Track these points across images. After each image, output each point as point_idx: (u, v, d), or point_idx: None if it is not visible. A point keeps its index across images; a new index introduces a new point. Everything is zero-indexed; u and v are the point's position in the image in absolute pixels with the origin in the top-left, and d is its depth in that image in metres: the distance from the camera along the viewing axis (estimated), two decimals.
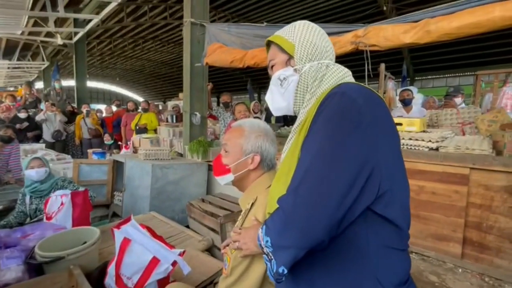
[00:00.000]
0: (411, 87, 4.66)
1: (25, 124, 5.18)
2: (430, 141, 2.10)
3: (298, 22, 0.76)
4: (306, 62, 0.71)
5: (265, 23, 2.57)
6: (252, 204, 0.90)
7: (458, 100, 3.08)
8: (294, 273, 0.64)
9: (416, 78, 12.25)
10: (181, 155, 3.72)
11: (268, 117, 5.28)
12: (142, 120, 5.25)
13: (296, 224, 0.54)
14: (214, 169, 1.03)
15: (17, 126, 4.93)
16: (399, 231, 0.61)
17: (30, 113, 5.61)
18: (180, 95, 8.09)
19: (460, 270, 1.79)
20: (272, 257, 0.58)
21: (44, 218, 1.87)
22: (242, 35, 2.66)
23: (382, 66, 3.02)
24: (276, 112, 0.80)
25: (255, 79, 15.26)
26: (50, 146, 5.33)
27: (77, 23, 7.55)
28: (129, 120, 5.48)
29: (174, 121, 5.12)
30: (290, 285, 0.65)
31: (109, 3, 5.42)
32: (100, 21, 7.00)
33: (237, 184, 1.01)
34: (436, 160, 1.96)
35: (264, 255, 0.62)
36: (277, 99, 0.77)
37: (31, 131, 5.32)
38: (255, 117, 3.53)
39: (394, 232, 0.60)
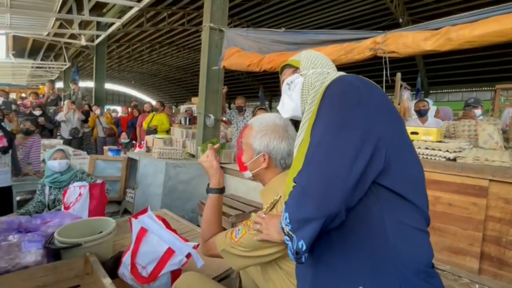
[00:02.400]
0: (426, 99, 4.60)
1: (41, 119, 5.37)
2: (447, 151, 2.05)
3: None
4: (310, 69, 0.83)
5: (283, 29, 2.62)
6: (281, 196, 0.91)
7: (477, 111, 3.02)
8: (313, 257, 0.64)
9: (431, 91, 12.07)
10: (193, 156, 3.77)
11: None
12: (153, 121, 5.34)
13: (312, 193, 0.56)
14: (238, 164, 1.09)
15: (39, 120, 5.14)
16: (415, 209, 0.61)
17: (51, 110, 5.84)
18: (193, 99, 8.24)
19: (477, 286, 1.72)
20: (293, 234, 0.59)
21: (62, 208, 1.93)
22: (259, 40, 2.72)
23: (398, 75, 3.00)
24: (285, 114, 0.89)
25: (267, 86, 15.39)
26: (67, 142, 5.51)
27: (100, 26, 7.88)
28: (143, 120, 5.61)
29: (187, 123, 5.21)
30: (311, 269, 0.66)
31: (131, 8, 5.65)
32: (121, 25, 7.28)
33: (258, 179, 1.03)
34: (454, 170, 1.92)
35: (286, 236, 0.62)
36: (286, 102, 0.87)
37: (46, 127, 5.51)
38: None
39: (410, 209, 0.61)
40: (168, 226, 1.33)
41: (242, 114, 3.98)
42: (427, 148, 2.14)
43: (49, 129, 5.69)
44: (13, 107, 5.03)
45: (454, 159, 2.00)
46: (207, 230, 1.03)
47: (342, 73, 0.79)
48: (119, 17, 6.55)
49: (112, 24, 6.91)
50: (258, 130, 0.97)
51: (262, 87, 10.46)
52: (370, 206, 0.59)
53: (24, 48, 9.78)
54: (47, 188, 2.23)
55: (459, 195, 1.91)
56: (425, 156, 2.11)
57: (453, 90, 11.70)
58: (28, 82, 13.91)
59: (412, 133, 2.30)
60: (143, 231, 1.21)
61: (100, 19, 6.64)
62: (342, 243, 0.60)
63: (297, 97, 0.82)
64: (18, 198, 3.11)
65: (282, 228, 0.63)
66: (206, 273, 1.46)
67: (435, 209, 1.98)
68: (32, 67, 11.38)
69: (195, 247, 1.24)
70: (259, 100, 10.49)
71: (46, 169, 2.28)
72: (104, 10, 7.43)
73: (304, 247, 0.57)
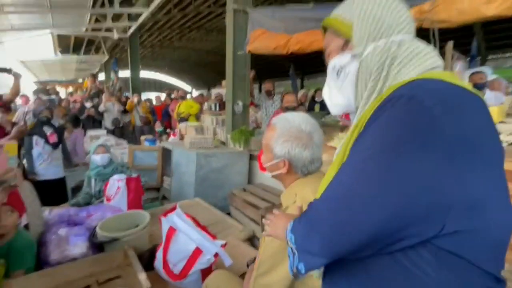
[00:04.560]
0: (484, 68, 3.97)
1: (92, 110, 5.88)
2: (511, 134, 1.75)
3: None
4: (369, 43, 0.55)
5: (311, 4, 2.38)
6: (295, 202, 0.88)
7: None
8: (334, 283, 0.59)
9: (489, 57, 10.41)
10: (223, 143, 3.80)
11: (312, 106, 5.08)
12: (181, 108, 5.44)
13: (321, 232, 0.50)
14: (258, 162, 1.05)
15: (86, 113, 5.66)
16: (486, 275, 0.47)
17: (94, 103, 6.31)
18: (223, 83, 8.22)
19: None
20: (296, 252, 0.56)
21: (105, 199, 2.09)
22: (285, 19, 2.52)
23: (450, 44, 2.57)
24: (334, 110, 0.66)
25: (298, 64, 14.72)
26: (110, 132, 5.97)
27: (131, 18, 8.11)
28: (175, 107, 5.78)
29: (217, 109, 5.24)
30: None
31: None
32: (150, 14, 7.39)
33: (278, 180, 1.00)
34: None
35: (289, 248, 0.59)
36: (334, 94, 0.63)
37: (96, 119, 6.04)
38: (299, 105, 3.39)
39: (478, 275, 0.46)
40: (197, 223, 1.35)
41: (271, 98, 3.86)
42: None
43: (99, 121, 6.20)
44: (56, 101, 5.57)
45: None
46: None
47: (422, 48, 0.53)
48: (148, 6, 6.64)
49: (142, 14, 7.04)
50: (281, 133, 0.90)
51: (292, 66, 10.01)
52: (420, 264, 0.46)
53: (68, 45, 10.57)
54: (92, 180, 2.42)
55: None
56: None
57: None
58: (76, 76, 15.15)
59: None
60: (172, 230, 1.24)
61: (129, 10, 6.81)
62: None
63: (350, 91, 0.58)
64: (72, 185, 3.47)
65: (287, 240, 0.59)
66: (236, 268, 1.47)
67: None
68: (77, 62, 12.32)
69: (223, 246, 1.24)
70: (290, 79, 10.11)
71: (90, 163, 2.46)
72: (133, 1, 7.59)
73: (303, 271, 0.54)
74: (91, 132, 5.09)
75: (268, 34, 2.67)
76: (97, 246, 1.54)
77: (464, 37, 7.91)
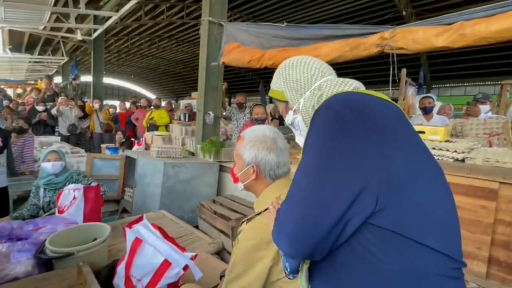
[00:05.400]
0: (431, 95, 4.50)
1: (44, 114, 5.30)
2: (455, 151, 1.98)
3: (280, 65, 0.80)
4: (299, 98, 0.73)
5: (285, 23, 2.51)
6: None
7: (485, 107, 2.93)
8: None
9: (434, 86, 11.89)
10: (192, 154, 3.70)
11: (282, 120, 5.23)
12: (153, 114, 5.27)
13: (285, 232, 0.56)
14: (232, 176, 1.05)
15: (38, 116, 5.08)
16: (433, 252, 0.51)
17: (48, 106, 5.75)
18: (193, 94, 8.12)
19: None
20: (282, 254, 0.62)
21: (56, 211, 1.87)
22: (260, 35, 2.62)
23: (404, 71, 2.90)
24: None
25: (267, 81, 15.19)
26: (65, 139, 5.44)
27: (97, 20, 7.71)
28: (141, 116, 5.52)
29: (187, 119, 5.12)
30: None
31: (128, 1, 5.50)
32: (119, 18, 7.13)
33: (251, 191, 1.02)
34: (462, 172, 1.85)
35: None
36: (299, 138, 0.81)
37: (48, 124, 5.45)
38: (272, 119, 3.49)
39: (426, 254, 0.51)
40: (165, 235, 1.27)
41: (243, 111, 3.89)
42: (434, 148, 2.06)
43: (51, 126, 5.61)
44: (5, 103, 4.93)
45: (463, 160, 1.93)
46: None
47: (333, 81, 0.69)
48: (117, 11, 6.39)
49: (110, 17, 6.74)
50: (248, 141, 0.96)
51: (262, 82, 10.31)
52: (370, 248, 0.52)
53: (20, 42, 9.63)
54: (41, 190, 2.16)
55: (467, 197, 1.84)
56: None
57: (456, 85, 11.52)
58: (27, 77, 13.72)
59: (418, 132, 2.22)
60: (137, 242, 1.15)
61: (96, 12, 6.48)
62: (345, 282, 0.56)
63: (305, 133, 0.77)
64: (15, 197, 3.05)
65: None
66: (205, 282, 1.40)
67: None
68: (29, 62, 11.19)
69: (192, 258, 1.18)
70: (260, 95, 10.36)
71: (40, 171, 2.21)
72: (101, 3, 7.27)
73: (288, 269, 0.60)
74: (42, 138, 4.59)
75: (242, 48, 2.74)
76: (45, 264, 1.35)
77: (413, 68, 8.96)
